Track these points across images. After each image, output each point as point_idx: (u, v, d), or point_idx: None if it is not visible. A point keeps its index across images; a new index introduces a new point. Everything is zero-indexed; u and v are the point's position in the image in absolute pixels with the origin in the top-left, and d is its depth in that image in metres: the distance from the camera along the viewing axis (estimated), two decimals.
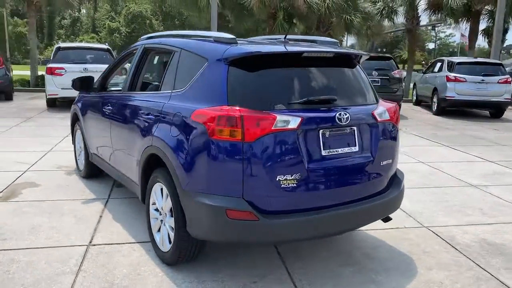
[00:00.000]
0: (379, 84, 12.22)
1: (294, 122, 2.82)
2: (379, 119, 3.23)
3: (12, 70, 15.87)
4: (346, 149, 3.08)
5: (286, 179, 2.81)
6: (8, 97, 13.67)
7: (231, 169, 2.76)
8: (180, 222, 3.06)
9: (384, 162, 3.28)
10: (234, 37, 3.15)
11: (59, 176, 5.73)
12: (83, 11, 78.89)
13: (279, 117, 2.79)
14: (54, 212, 4.43)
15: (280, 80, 3.03)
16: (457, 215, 4.71)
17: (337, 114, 2.98)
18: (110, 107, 4.36)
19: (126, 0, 67.78)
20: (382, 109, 3.29)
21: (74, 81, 4.89)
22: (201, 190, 2.88)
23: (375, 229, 4.17)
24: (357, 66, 3.47)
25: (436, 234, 4.16)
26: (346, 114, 3.01)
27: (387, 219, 3.59)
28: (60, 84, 11.19)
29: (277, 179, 2.79)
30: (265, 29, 18.95)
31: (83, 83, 4.87)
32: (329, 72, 3.26)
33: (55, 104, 12.24)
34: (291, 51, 3.20)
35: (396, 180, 3.48)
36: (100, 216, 4.35)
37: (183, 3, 19.45)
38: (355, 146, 3.12)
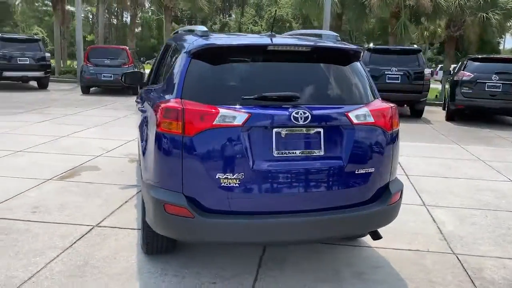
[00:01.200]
0: (500, 90, 10.67)
1: (239, 118, 2.66)
2: (355, 122, 2.85)
3: (144, 68, 17.75)
4: (308, 152, 2.79)
5: (226, 178, 2.67)
6: (135, 92, 15.30)
7: (172, 162, 2.73)
8: (144, 212, 3.13)
9: (362, 171, 2.88)
10: (206, 30, 3.09)
11: (121, 163, 6.25)
12: (233, 16, 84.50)
13: (223, 112, 2.66)
14: (91, 193, 4.86)
15: (240, 74, 2.89)
16: (508, 246, 3.91)
17: (294, 113, 2.72)
18: (139, 100, 4.64)
19: (270, 5, 70.47)
20: (363, 111, 2.90)
21: (123, 75, 5.28)
22: (151, 182, 2.90)
23: (387, 247, 3.71)
24: (354, 63, 3.11)
25: (461, 264, 3.52)
26: (305, 114, 2.73)
27: (376, 237, 3.16)
28: None
29: (217, 177, 2.67)
30: (386, 29, 17.96)
31: (130, 78, 5.22)
32: (303, 68, 2.99)
33: None
34: (253, 43, 3.02)
35: (385, 194, 3.03)
36: (125, 202, 4.64)
37: (304, 3, 19.50)
38: (320, 149, 2.80)
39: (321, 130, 2.80)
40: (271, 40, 3.11)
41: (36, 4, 47.03)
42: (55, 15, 21.71)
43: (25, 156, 6.41)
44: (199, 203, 2.72)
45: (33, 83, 16.66)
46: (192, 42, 2.98)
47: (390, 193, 3.02)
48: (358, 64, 3.12)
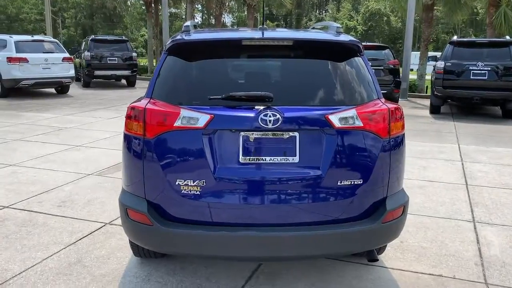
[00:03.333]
0: None
1: (202, 120, 2.44)
2: (337, 125, 2.47)
3: None
4: (280, 159, 2.47)
5: (187, 185, 2.47)
6: None
7: (135, 166, 2.60)
8: None
9: (346, 183, 2.49)
10: (188, 24, 2.90)
11: None
12: (329, 11, 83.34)
13: (184, 113, 2.46)
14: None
15: (213, 72, 2.67)
16: None
17: (262, 115, 2.42)
18: None
19: None
20: (349, 113, 2.49)
21: None
22: (123, 185, 2.81)
23: (404, 269, 3.26)
24: (350, 58, 2.71)
25: None
26: (275, 116, 2.42)
27: (370, 258, 2.74)
28: None
29: (177, 183, 2.48)
30: (482, 20, 16.22)
31: None
32: (284, 64, 2.67)
33: None
34: (224, 38, 2.75)
35: (379, 210, 2.60)
36: None
37: None
38: (295, 156, 2.47)
39: (297, 134, 2.47)
40: (262, 34, 2.83)
41: (143, 8, 50.75)
42: (148, 16, 23.00)
43: (81, 150, 6.78)
44: (164, 210, 2.55)
45: (124, 82, 17.83)
46: (171, 39, 2.82)
47: (385, 209, 2.59)
48: (354, 60, 2.71)
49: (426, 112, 11.70)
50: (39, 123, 9.07)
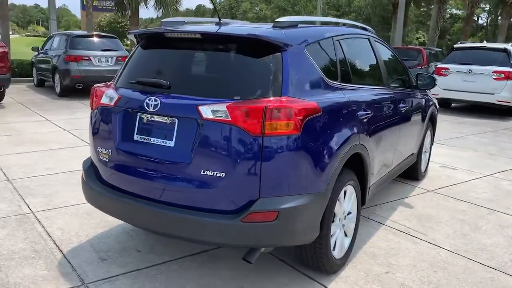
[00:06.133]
0: None
1: (114, 99, 2.91)
2: (205, 117, 2.50)
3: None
4: (160, 141, 2.70)
5: (102, 152, 2.98)
6: None
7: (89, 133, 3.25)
8: None
9: (208, 173, 2.50)
10: (164, 20, 3.33)
11: None
12: None
13: (108, 93, 2.97)
14: None
15: (144, 60, 3.11)
16: None
17: (147, 100, 2.70)
18: None
19: None
20: (220, 107, 2.47)
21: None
22: None
23: None
24: (261, 54, 2.63)
25: None
26: (156, 101, 2.66)
27: (244, 257, 2.67)
28: (441, 84, 11.02)
29: (98, 150, 3.02)
30: None
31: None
32: (196, 56, 2.89)
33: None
34: (155, 31, 3.04)
35: (245, 208, 2.48)
36: None
37: None
38: (172, 140, 2.65)
39: (176, 121, 2.64)
40: (183, 28, 3.06)
41: (422, 9, 49.66)
42: (394, 18, 22.77)
43: None
44: (98, 171, 3.12)
45: None
46: None
47: (248, 208, 2.46)
48: (261, 55, 2.61)
49: None
50: None
